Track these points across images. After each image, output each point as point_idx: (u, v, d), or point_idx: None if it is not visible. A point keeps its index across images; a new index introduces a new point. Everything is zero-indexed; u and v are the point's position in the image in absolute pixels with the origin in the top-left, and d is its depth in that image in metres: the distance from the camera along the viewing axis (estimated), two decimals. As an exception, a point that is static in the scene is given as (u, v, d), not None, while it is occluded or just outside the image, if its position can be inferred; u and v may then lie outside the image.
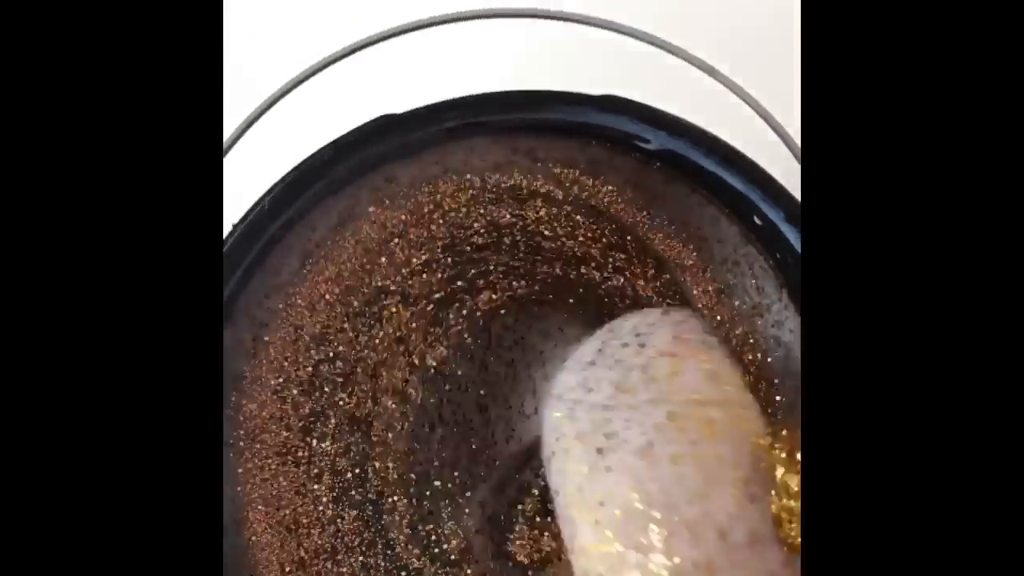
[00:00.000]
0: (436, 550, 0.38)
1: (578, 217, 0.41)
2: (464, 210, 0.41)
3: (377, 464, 0.39)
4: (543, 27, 0.38)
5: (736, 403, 0.34)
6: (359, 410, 0.40)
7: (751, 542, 0.31)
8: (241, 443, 0.39)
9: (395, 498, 0.39)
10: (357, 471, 0.39)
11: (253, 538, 0.39)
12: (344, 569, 0.39)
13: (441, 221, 0.41)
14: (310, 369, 0.40)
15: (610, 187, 0.41)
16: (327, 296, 0.40)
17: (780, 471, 0.33)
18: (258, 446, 0.39)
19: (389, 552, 0.39)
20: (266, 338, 0.40)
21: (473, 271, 0.41)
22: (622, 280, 0.41)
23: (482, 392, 0.39)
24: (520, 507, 0.38)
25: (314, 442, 0.39)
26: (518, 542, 0.38)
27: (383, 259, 0.41)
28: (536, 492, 0.38)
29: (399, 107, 0.39)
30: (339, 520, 0.39)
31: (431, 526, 0.39)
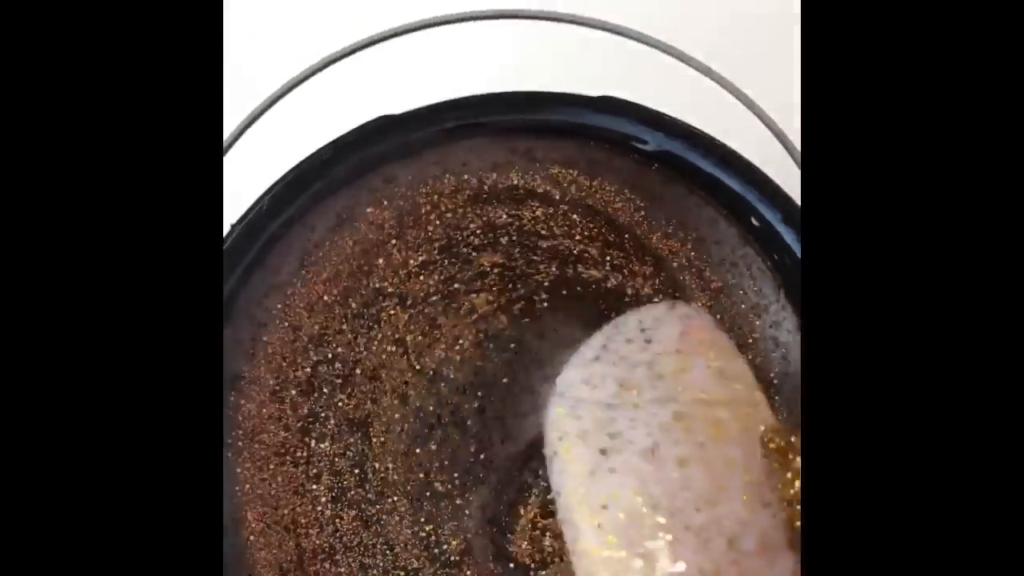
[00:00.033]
0: (436, 551, 0.38)
1: (575, 217, 0.41)
2: (461, 211, 0.41)
3: (376, 465, 0.39)
4: (542, 28, 0.38)
5: (745, 402, 0.33)
6: (358, 411, 0.40)
7: (762, 550, 0.30)
8: (240, 443, 0.39)
9: (395, 499, 0.39)
10: (356, 472, 0.39)
11: (251, 537, 0.39)
12: (342, 569, 0.39)
13: (438, 222, 0.41)
14: (308, 370, 0.40)
15: (608, 188, 0.41)
16: (325, 297, 0.40)
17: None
18: (256, 446, 0.39)
19: (388, 552, 0.39)
20: (264, 338, 0.40)
21: (470, 272, 0.41)
22: (620, 279, 0.41)
23: (480, 393, 0.39)
24: (520, 508, 0.38)
25: (313, 443, 0.39)
26: (519, 543, 0.38)
27: (380, 260, 0.41)
28: (536, 493, 0.38)
29: (398, 107, 0.39)
30: (337, 520, 0.39)
31: (431, 527, 0.39)
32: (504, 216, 0.41)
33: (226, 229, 0.39)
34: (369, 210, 0.41)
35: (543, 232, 0.41)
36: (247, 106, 0.37)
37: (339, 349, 0.40)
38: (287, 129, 0.38)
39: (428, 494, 0.39)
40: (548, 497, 0.38)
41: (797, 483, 0.31)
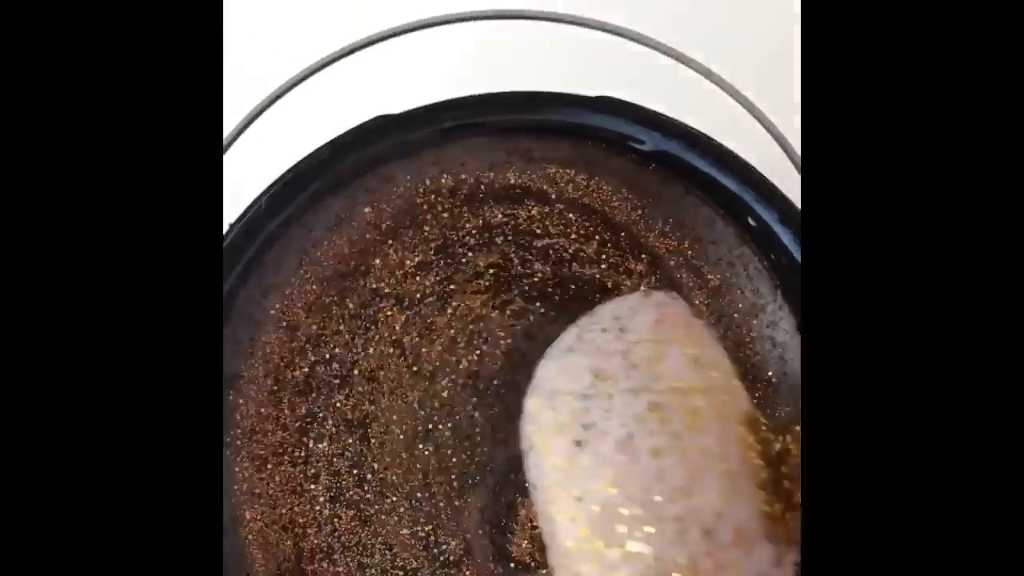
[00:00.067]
0: (435, 551, 0.38)
1: (571, 216, 0.41)
2: (458, 211, 0.41)
3: (375, 466, 0.39)
4: (540, 28, 0.38)
5: (722, 390, 0.32)
6: (356, 412, 0.40)
7: (738, 541, 0.29)
8: (238, 442, 0.39)
9: (393, 499, 0.39)
10: (355, 472, 0.39)
11: (249, 536, 0.39)
12: (340, 568, 0.38)
13: (435, 222, 0.41)
14: (306, 370, 0.40)
15: (605, 187, 0.41)
16: (323, 297, 0.40)
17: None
18: (254, 446, 0.39)
19: (387, 552, 0.39)
20: (262, 338, 0.40)
21: (465, 272, 0.41)
22: (616, 278, 0.41)
23: (476, 394, 0.39)
24: (519, 507, 0.38)
25: (311, 443, 0.39)
26: (518, 543, 0.38)
27: (377, 261, 0.41)
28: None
29: (396, 107, 0.39)
30: (336, 520, 0.39)
31: (430, 527, 0.39)
32: (500, 216, 0.41)
33: (224, 228, 0.39)
34: (367, 210, 0.41)
35: (538, 231, 0.41)
36: (246, 105, 0.37)
37: (336, 350, 0.40)
38: (285, 129, 0.38)
39: (427, 495, 0.39)
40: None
41: (775, 471, 0.31)
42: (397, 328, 0.40)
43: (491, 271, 0.41)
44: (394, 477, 0.39)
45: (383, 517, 0.39)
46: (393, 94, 0.39)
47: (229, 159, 0.36)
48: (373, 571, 0.38)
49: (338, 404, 0.40)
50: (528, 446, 0.34)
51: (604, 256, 0.41)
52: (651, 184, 0.41)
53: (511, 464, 0.38)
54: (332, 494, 0.39)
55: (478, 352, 0.40)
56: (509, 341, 0.40)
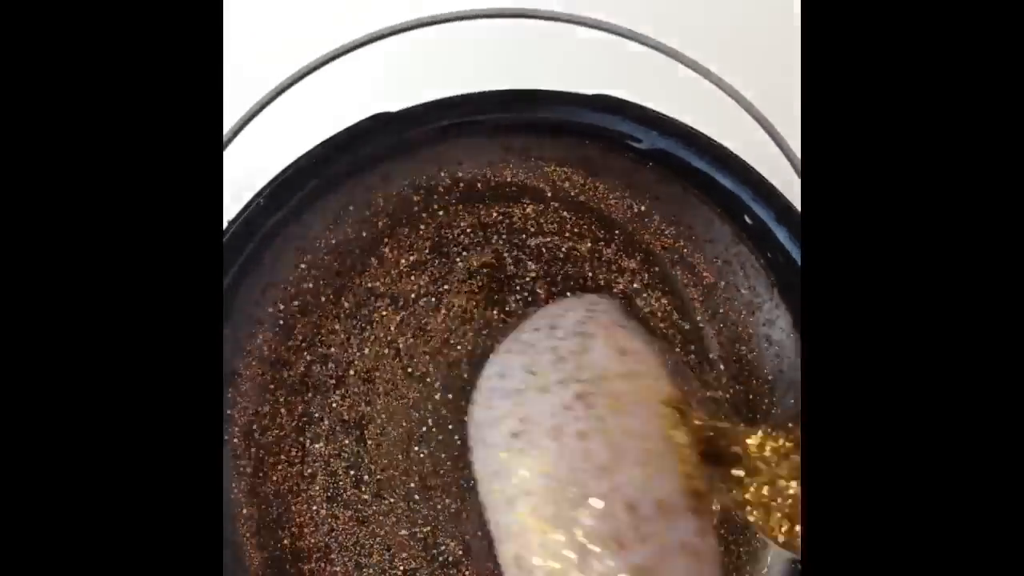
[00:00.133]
0: (435, 551, 0.38)
1: (566, 214, 0.41)
2: (454, 209, 0.41)
3: (372, 467, 0.39)
4: (537, 27, 0.38)
5: (644, 375, 0.33)
6: (351, 413, 0.39)
7: (661, 513, 0.30)
8: (236, 440, 0.39)
9: (391, 500, 0.39)
10: (352, 473, 0.39)
11: (247, 536, 0.39)
12: (338, 568, 0.38)
13: (430, 221, 0.41)
14: (303, 370, 0.40)
15: (602, 186, 0.41)
16: (321, 297, 0.40)
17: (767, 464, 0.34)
18: (251, 445, 0.39)
19: (386, 553, 0.39)
20: (260, 337, 0.40)
21: (459, 272, 0.41)
22: (608, 276, 0.41)
23: (467, 398, 0.39)
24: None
25: (308, 443, 0.39)
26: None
27: (374, 259, 0.41)
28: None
29: (394, 105, 0.39)
30: (333, 520, 0.39)
31: (428, 528, 0.39)
32: (495, 214, 0.41)
33: (224, 224, 0.39)
34: (365, 208, 0.41)
35: (532, 229, 0.41)
36: (246, 103, 0.37)
37: (332, 350, 0.40)
38: (284, 127, 0.38)
39: (426, 496, 0.39)
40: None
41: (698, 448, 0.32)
42: (392, 329, 0.40)
43: (485, 270, 0.41)
44: (392, 478, 0.39)
45: (381, 518, 0.39)
46: (391, 92, 0.39)
47: (228, 156, 0.36)
48: (371, 571, 0.38)
49: (334, 404, 0.40)
50: (472, 445, 0.35)
51: (597, 254, 0.41)
52: (648, 183, 0.41)
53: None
54: (329, 494, 0.39)
55: (469, 351, 0.40)
56: (502, 340, 0.40)
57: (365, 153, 0.40)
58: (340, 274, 0.40)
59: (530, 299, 0.40)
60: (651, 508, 0.30)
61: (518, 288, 0.40)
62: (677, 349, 0.41)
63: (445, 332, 0.40)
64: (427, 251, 0.41)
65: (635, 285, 0.41)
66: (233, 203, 0.38)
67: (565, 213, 0.41)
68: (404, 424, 0.39)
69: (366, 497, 0.39)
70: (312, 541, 0.39)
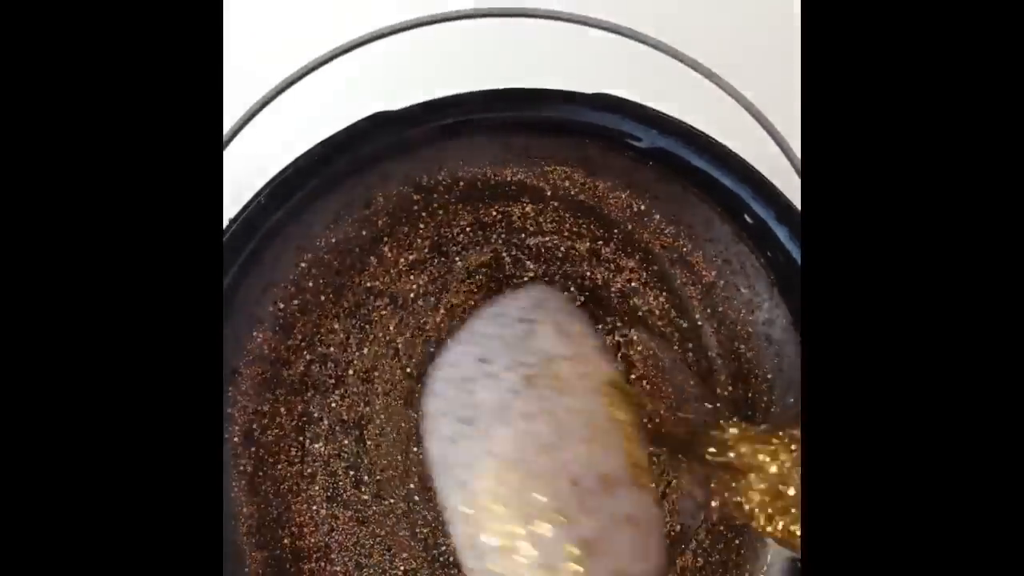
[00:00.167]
0: (435, 552, 0.38)
1: (565, 213, 0.41)
2: (453, 208, 0.41)
3: (372, 467, 0.39)
4: (538, 26, 0.38)
5: (587, 357, 0.35)
6: (351, 413, 0.39)
7: (605, 487, 0.32)
8: (236, 439, 0.39)
9: (391, 500, 0.39)
10: (351, 473, 0.39)
11: (247, 535, 0.39)
12: (338, 568, 0.38)
13: (430, 220, 0.41)
14: (302, 369, 0.40)
15: (602, 185, 0.41)
16: (321, 296, 0.40)
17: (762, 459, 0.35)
18: (251, 444, 0.39)
19: (386, 553, 0.39)
20: (260, 335, 0.40)
21: (458, 272, 0.41)
22: (606, 274, 0.41)
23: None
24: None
25: (307, 442, 0.39)
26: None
27: (373, 259, 0.41)
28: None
29: (394, 104, 0.39)
30: (333, 520, 0.39)
31: (427, 529, 0.39)
32: (494, 213, 0.41)
33: (224, 223, 0.39)
34: (364, 207, 0.41)
35: (531, 229, 0.41)
36: (246, 102, 0.37)
37: (331, 349, 0.40)
38: (284, 125, 0.37)
39: (426, 497, 0.39)
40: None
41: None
42: (391, 328, 0.40)
43: (483, 270, 0.41)
44: (392, 478, 0.39)
45: (381, 518, 0.39)
46: (391, 91, 0.39)
47: (230, 155, 0.36)
48: (371, 571, 0.38)
49: (334, 404, 0.40)
50: (423, 435, 0.36)
51: (596, 254, 0.41)
52: (648, 181, 0.41)
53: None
54: (329, 494, 0.39)
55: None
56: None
57: (365, 152, 0.39)
58: (340, 273, 0.40)
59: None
60: (595, 483, 0.31)
61: (516, 288, 0.40)
62: (676, 347, 0.41)
63: (444, 334, 0.40)
64: (426, 250, 0.41)
65: (633, 284, 0.41)
66: (233, 203, 0.38)
67: (564, 212, 0.41)
68: (403, 424, 0.39)
69: (366, 497, 0.39)
70: (312, 541, 0.39)
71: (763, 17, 0.45)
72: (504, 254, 0.41)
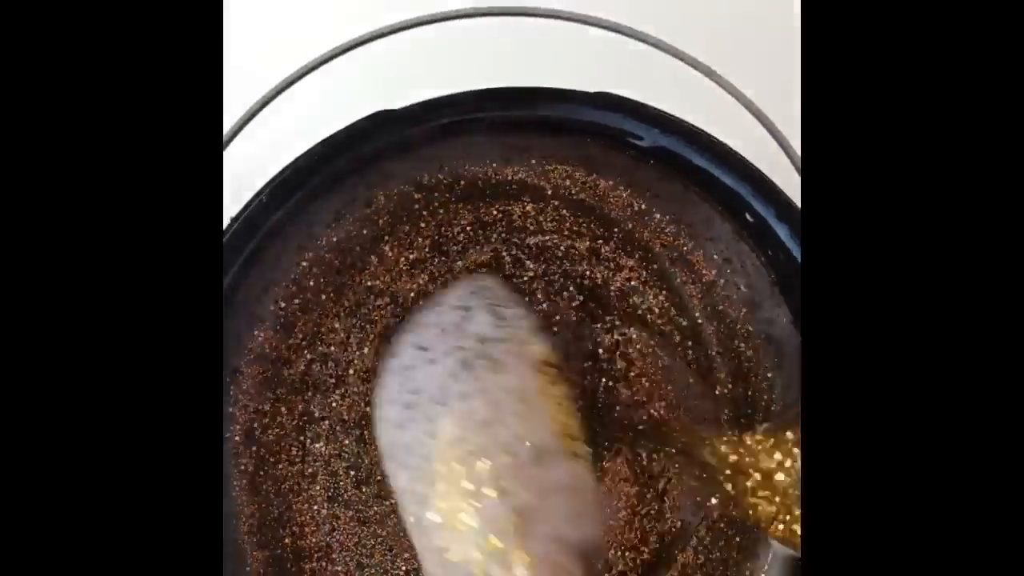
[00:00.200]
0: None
1: (565, 212, 0.41)
2: (454, 207, 0.41)
3: (373, 467, 0.39)
4: (539, 25, 0.38)
5: (521, 338, 0.36)
6: (351, 413, 0.39)
7: (539, 459, 0.33)
8: (237, 437, 0.39)
9: (392, 501, 0.39)
10: (352, 474, 0.39)
11: (248, 534, 0.39)
12: (339, 568, 0.38)
13: (431, 219, 0.41)
14: (303, 368, 0.40)
15: (602, 184, 0.41)
16: (322, 295, 0.40)
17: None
18: (252, 443, 0.39)
19: (388, 553, 0.39)
20: (260, 334, 0.40)
21: (458, 271, 0.40)
22: (606, 273, 0.41)
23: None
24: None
25: (308, 442, 0.39)
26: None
27: (374, 258, 0.41)
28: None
29: (395, 103, 0.39)
30: (334, 520, 0.39)
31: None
32: (495, 212, 0.41)
33: (226, 222, 0.39)
34: (365, 206, 0.41)
35: (531, 228, 0.41)
36: (247, 101, 0.36)
37: (332, 348, 0.40)
38: (285, 125, 0.37)
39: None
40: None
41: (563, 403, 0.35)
42: (390, 328, 0.40)
43: (483, 270, 0.41)
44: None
45: (382, 518, 0.39)
46: (392, 90, 0.39)
47: (232, 154, 0.36)
48: (373, 571, 0.38)
49: (334, 404, 0.39)
50: (375, 422, 0.38)
51: (596, 252, 0.41)
52: (649, 180, 0.41)
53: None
54: (330, 494, 0.39)
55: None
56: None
57: (366, 151, 0.39)
58: (341, 272, 0.40)
59: (527, 299, 0.40)
60: (529, 455, 0.33)
61: (515, 288, 0.40)
62: (676, 345, 0.41)
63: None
64: (427, 249, 0.41)
65: (632, 282, 0.41)
66: (233, 202, 0.37)
67: (564, 211, 0.41)
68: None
69: (367, 497, 0.39)
70: (313, 540, 0.39)
71: (763, 15, 0.45)
72: (504, 253, 0.41)
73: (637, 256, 0.41)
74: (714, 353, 0.41)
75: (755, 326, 0.41)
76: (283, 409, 0.39)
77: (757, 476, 0.37)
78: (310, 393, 0.40)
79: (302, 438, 0.39)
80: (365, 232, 0.40)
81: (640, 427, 0.40)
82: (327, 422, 0.39)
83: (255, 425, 0.39)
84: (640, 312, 0.41)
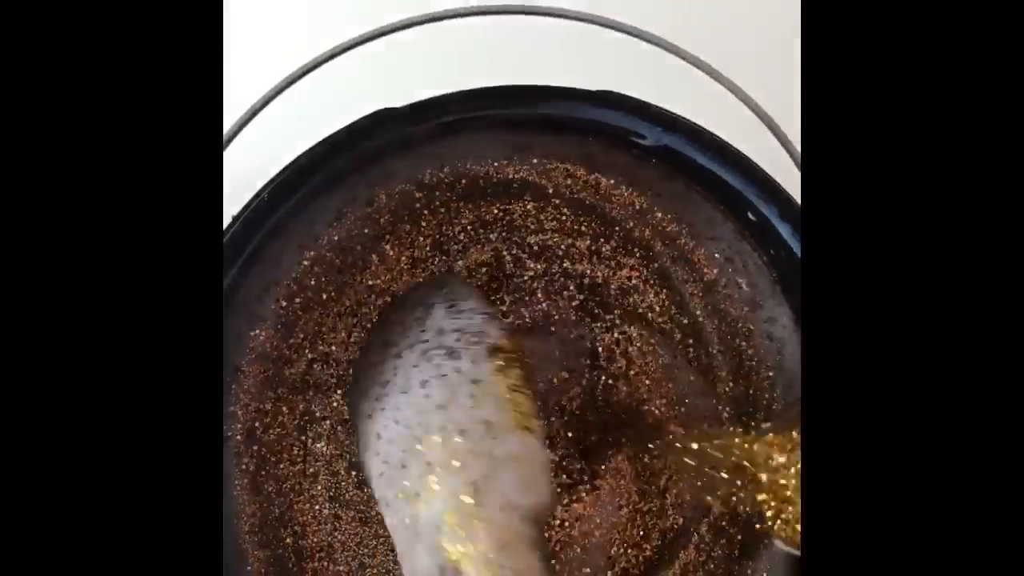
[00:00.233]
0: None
1: (566, 210, 0.41)
2: (455, 206, 0.41)
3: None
4: (542, 23, 0.38)
5: (475, 329, 0.37)
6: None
7: (489, 432, 0.35)
8: (238, 436, 0.39)
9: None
10: (354, 474, 0.39)
11: (249, 534, 0.39)
12: (341, 568, 0.38)
13: (431, 218, 0.41)
14: (304, 367, 0.40)
15: (605, 182, 0.41)
16: (323, 294, 0.40)
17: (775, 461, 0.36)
18: (254, 443, 0.39)
19: (390, 553, 0.39)
20: (262, 334, 0.40)
21: (459, 270, 0.40)
22: (606, 272, 0.41)
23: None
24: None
25: (309, 442, 0.39)
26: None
27: (375, 257, 0.40)
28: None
29: (397, 102, 0.39)
30: (336, 520, 0.39)
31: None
32: (496, 211, 0.41)
33: (227, 221, 0.39)
34: (366, 205, 0.41)
35: (532, 226, 0.41)
36: (248, 99, 0.36)
37: (333, 348, 0.40)
38: (287, 123, 0.37)
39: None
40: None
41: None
42: (389, 329, 0.40)
43: (483, 269, 0.41)
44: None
45: (384, 519, 0.39)
46: (393, 89, 0.39)
47: (233, 152, 0.36)
48: (375, 571, 0.39)
49: (335, 404, 0.40)
50: (356, 422, 0.39)
51: (596, 251, 0.41)
52: (651, 179, 0.41)
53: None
54: (332, 494, 0.39)
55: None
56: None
57: (367, 149, 0.39)
58: (342, 271, 0.40)
59: (527, 298, 0.40)
60: (481, 431, 0.35)
61: (515, 287, 0.40)
62: (676, 344, 0.41)
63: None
64: (427, 248, 0.41)
65: (633, 281, 0.41)
66: (233, 203, 0.37)
67: (566, 210, 0.41)
68: None
69: (368, 497, 0.39)
70: (315, 540, 0.39)
71: (763, 13, 0.45)
72: (505, 252, 0.41)
73: (638, 255, 0.41)
74: (715, 351, 0.41)
75: (756, 325, 0.41)
76: (284, 408, 0.39)
77: (760, 475, 0.37)
78: (311, 392, 0.40)
79: (303, 438, 0.39)
80: (366, 231, 0.40)
81: (641, 425, 0.40)
82: (328, 422, 0.39)
83: (256, 424, 0.39)
84: (641, 311, 0.41)
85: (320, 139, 0.38)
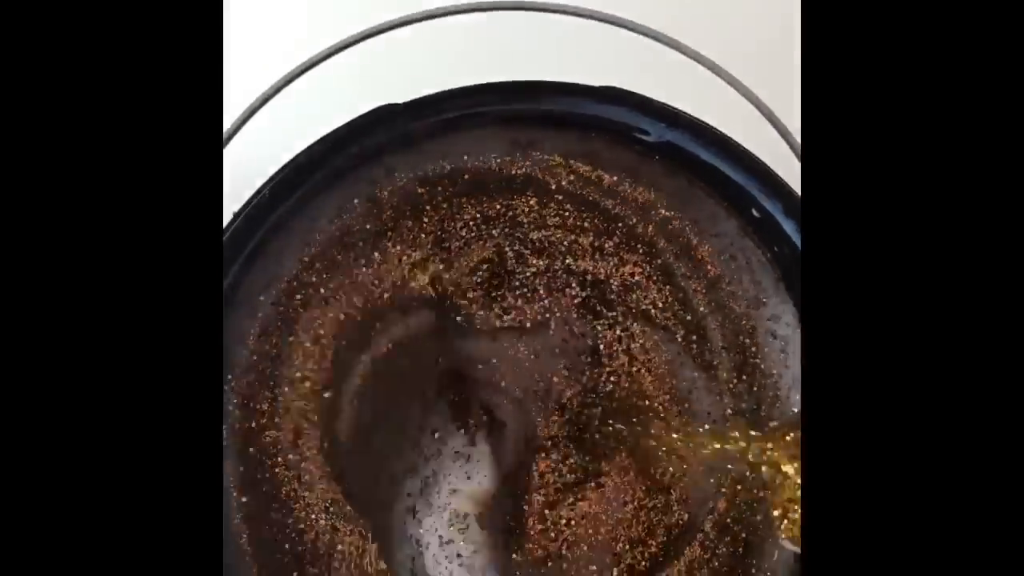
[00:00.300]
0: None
1: (569, 207, 0.41)
2: (457, 202, 0.41)
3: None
4: (544, 18, 0.38)
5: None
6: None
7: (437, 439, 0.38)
8: (239, 436, 0.39)
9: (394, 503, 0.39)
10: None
11: (245, 537, 0.38)
12: (343, 573, 0.38)
13: (434, 214, 0.41)
14: (302, 364, 0.40)
15: (607, 178, 0.41)
16: (322, 291, 0.40)
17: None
18: (250, 446, 0.39)
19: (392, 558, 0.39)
20: (261, 333, 0.40)
21: (460, 268, 0.40)
22: (610, 268, 0.41)
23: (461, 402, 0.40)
24: (523, 506, 0.38)
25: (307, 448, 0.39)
26: (527, 545, 0.38)
27: (376, 254, 0.40)
28: (542, 490, 0.38)
29: (398, 98, 0.39)
30: (334, 530, 0.39)
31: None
32: (498, 207, 0.41)
33: (227, 219, 0.39)
34: (368, 201, 0.41)
35: (535, 223, 0.41)
36: (250, 95, 0.36)
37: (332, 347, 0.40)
38: (289, 119, 0.37)
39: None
40: (554, 490, 0.38)
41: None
42: (389, 329, 0.40)
43: (485, 266, 0.41)
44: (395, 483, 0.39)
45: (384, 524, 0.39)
46: (395, 85, 0.39)
47: (234, 149, 0.36)
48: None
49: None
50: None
51: (599, 248, 0.41)
52: (654, 175, 0.41)
53: (511, 466, 0.39)
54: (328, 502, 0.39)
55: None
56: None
57: (369, 146, 0.39)
58: (342, 270, 0.40)
59: (529, 295, 0.40)
60: (429, 437, 0.39)
61: (517, 284, 0.40)
62: (679, 340, 0.41)
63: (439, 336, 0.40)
64: (429, 246, 0.41)
65: (636, 278, 0.41)
66: (234, 201, 0.38)
67: (568, 206, 0.41)
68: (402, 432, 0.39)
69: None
70: (315, 546, 0.38)
71: (763, 7, 0.45)
72: (507, 249, 0.41)
73: (641, 251, 0.41)
74: (718, 348, 0.41)
75: (759, 322, 0.40)
76: (281, 410, 0.39)
77: (764, 472, 0.37)
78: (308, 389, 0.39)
79: (300, 440, 0.39)
80: (369, 227, 0.40)
81: (643, 422, 0.40)
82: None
83: (255, 425, 0.39)
84: (643, 308, 0.41)
85: (322, 135, 0.38)
